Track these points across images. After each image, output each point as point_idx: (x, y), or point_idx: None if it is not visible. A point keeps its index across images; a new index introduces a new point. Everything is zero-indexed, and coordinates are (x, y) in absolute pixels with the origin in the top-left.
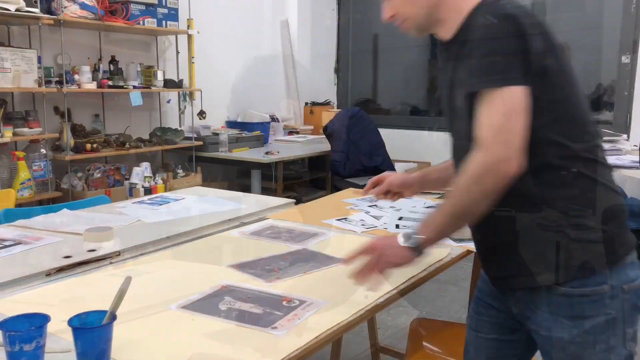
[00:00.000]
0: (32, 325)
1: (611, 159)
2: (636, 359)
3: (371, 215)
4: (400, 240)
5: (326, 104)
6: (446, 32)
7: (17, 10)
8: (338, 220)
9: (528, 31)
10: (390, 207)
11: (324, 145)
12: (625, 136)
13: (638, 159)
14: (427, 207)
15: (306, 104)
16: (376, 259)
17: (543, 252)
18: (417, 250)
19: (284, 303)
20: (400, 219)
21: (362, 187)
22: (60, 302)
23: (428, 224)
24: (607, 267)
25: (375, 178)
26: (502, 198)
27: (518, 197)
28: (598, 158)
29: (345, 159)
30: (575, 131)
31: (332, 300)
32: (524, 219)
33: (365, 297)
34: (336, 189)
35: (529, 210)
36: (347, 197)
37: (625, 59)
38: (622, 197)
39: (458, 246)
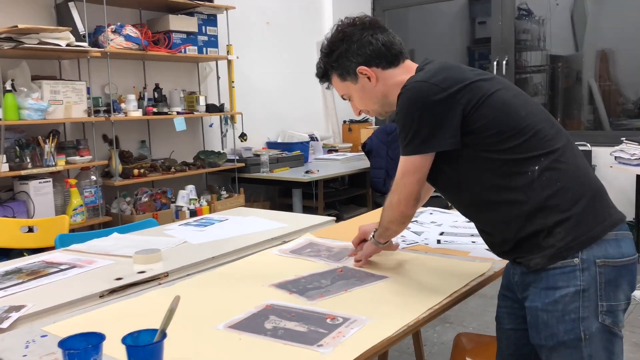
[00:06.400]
0: (89, 344)
1: None
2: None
3: (412, 231)
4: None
5: (364, 121)
6: None
7: (67, 45)
8: None
9: (431, 100)
10: (432, 222)
11: (363, 163)
12: None
13: None
14: (468, 222)
15: (344, 122)
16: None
17: (526, 241)
18: (377, 243)
19: (328, 321)
20: (441, 234)
21: None
22: (114, 322)
23: (378, 227)
24: (580, 246)
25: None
26: (487, 205)
27: (499, 203)
28: (558, 152)
29: (385, 176)
30: (528, 144)
31: (376, 317)
32: (507, 216)
33: (408, 312)
34: (377, 205)
35: (512, 210)
36: None
37: None
38: (594, 178)
39: (500, 260)
